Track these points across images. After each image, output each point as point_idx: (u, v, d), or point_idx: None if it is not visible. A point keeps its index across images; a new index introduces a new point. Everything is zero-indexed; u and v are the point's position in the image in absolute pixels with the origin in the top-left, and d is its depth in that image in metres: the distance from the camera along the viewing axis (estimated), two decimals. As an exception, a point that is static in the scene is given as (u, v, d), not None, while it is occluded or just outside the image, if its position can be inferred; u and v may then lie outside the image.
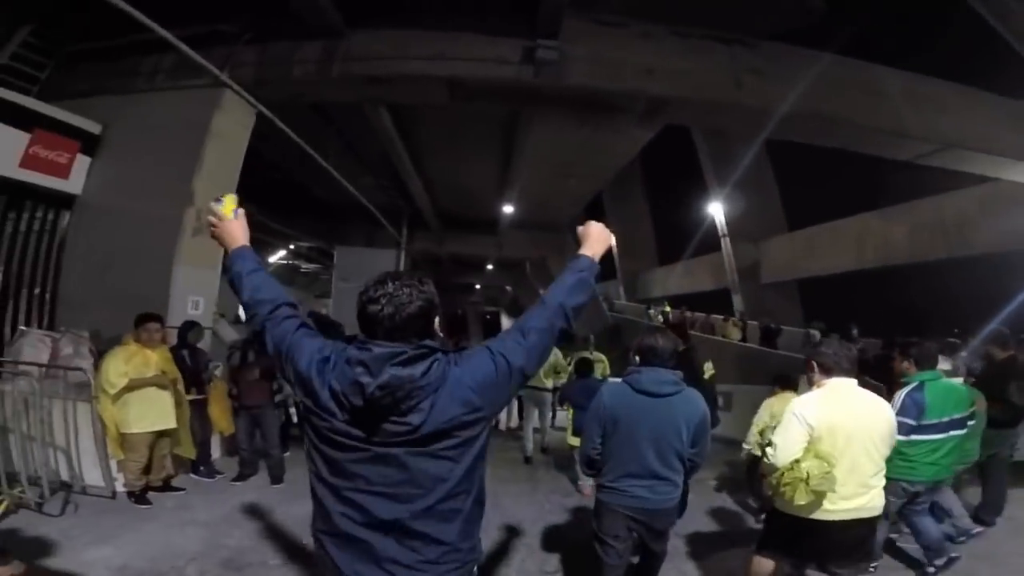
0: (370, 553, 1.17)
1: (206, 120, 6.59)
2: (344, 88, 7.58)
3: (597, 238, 1.45)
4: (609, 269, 29.08)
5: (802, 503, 2.19)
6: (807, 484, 2.15)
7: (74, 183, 6.41)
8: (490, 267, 25.43)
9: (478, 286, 33.91)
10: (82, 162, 6.51)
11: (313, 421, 1.21)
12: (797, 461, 2.20)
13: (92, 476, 3.94)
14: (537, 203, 17.55)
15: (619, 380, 2.57)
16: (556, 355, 6.38)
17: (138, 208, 6.27)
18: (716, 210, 17.39)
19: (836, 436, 2.21)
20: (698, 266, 21.17)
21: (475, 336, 48.96)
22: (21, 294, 6.31)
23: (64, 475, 3.87)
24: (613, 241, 1.48)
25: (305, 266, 21.87)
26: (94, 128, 6.66)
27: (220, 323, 7.03)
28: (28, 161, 5.91)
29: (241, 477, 4.61)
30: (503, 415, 10.22)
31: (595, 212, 29.43)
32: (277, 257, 20.38)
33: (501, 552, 3.44)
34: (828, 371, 2.34)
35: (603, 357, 7.52)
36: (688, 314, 16.04)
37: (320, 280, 24.45)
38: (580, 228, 1.49)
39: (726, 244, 17.29)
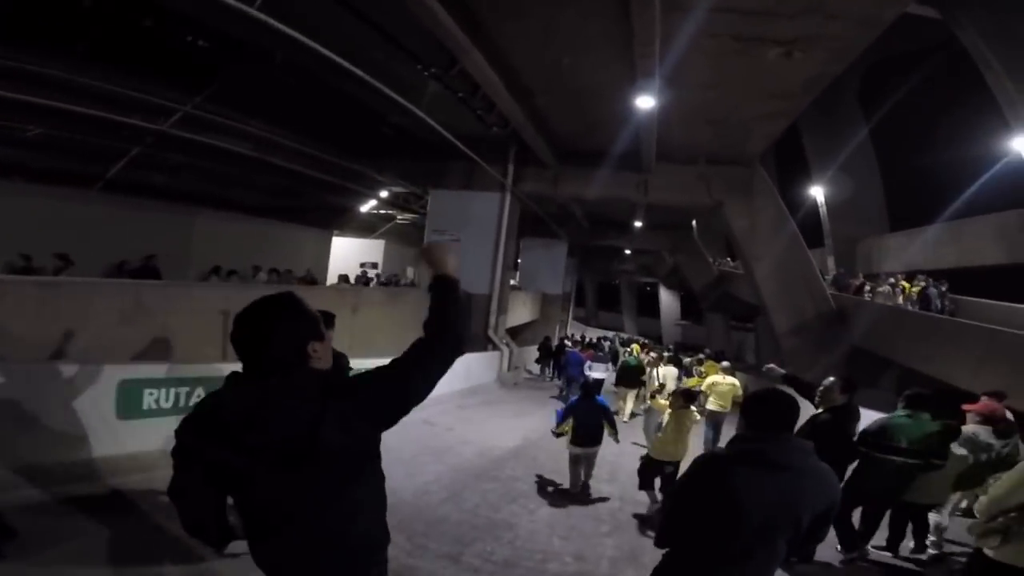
0: None
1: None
2: None
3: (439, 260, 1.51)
4: (814, 236, 20.00)
5: None
6: None
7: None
8: (638, 224, 18.64)
9: (628, 251, 26.86)
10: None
11: None
12: None
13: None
14: (704, 114, 10.65)
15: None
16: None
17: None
18: (1022, 146, 11.25)
19: None
20: (973, 230, 15.14)
21: (627, 310, 42.40)
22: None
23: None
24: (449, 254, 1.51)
25: (401, 216, 18.51)
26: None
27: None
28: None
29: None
30: None
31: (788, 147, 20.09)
32: (368, 207, 17.24)
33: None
34: None
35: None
36: None
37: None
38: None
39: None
